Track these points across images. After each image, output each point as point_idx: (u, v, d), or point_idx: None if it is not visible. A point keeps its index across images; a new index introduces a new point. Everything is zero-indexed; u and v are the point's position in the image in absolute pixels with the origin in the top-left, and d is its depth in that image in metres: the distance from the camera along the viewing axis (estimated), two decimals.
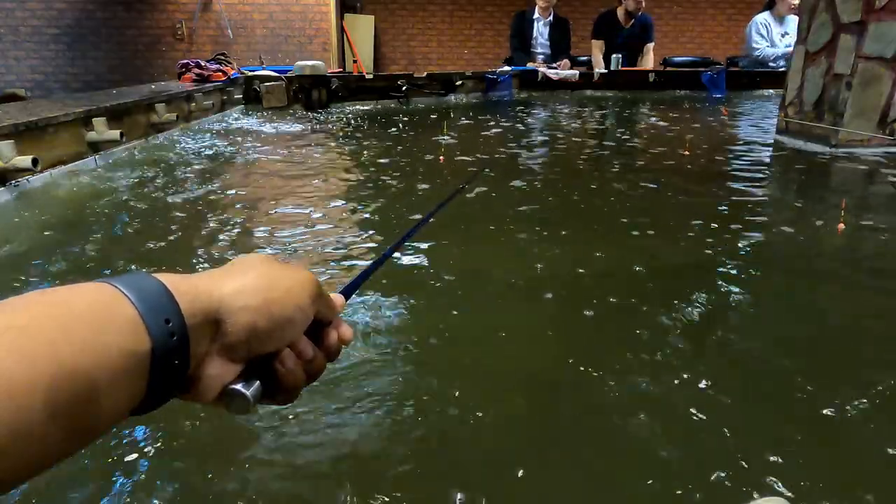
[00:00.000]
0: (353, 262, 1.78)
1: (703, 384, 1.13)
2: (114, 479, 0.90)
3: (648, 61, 6.44)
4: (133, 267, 1.76)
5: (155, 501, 0.85)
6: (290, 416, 1.02)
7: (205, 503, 0.85)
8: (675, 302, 1.47)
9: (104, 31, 7.96)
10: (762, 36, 5.92)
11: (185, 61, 5.04)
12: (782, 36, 5.89)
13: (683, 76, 6.38)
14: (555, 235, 2.02)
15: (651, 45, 6.41)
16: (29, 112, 2.73)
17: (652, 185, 2.70)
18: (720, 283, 1.60)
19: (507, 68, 6.18)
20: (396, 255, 1.71)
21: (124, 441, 0.97)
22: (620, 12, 6.18)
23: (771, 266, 1.83)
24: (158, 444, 0.97)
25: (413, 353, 1.27)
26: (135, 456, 0.94)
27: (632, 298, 1.52)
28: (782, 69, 5.75)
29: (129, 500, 0.85)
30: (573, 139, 4.10)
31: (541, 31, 6.30)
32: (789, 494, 0.84)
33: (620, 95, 6.10)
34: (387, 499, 0.85)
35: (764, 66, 6.06)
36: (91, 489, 0.88)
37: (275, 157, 3.37)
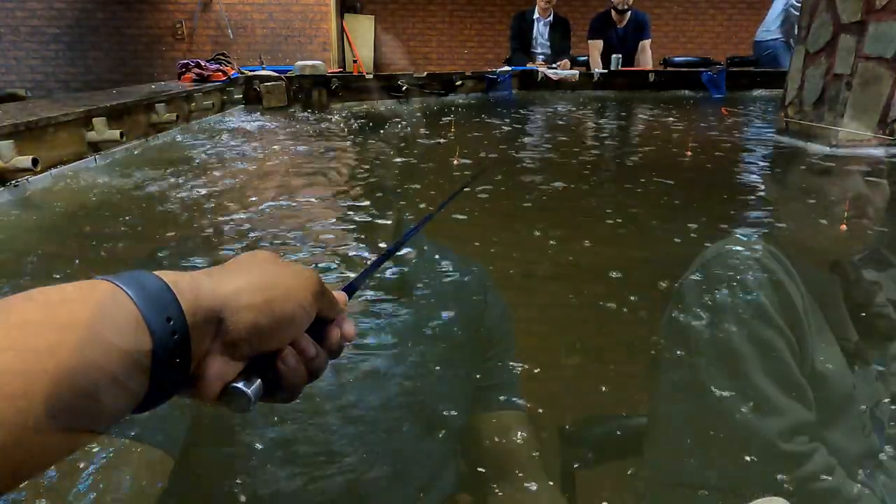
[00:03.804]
0: (354, 260, 1.77)
1: None
2: None
3: (646, 59, 6.37)
4: (134, 266, 1.75)
5: None
6: None
7: None
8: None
9: (104, 31, 7.96)
10: None
11: (185, 61, 5.04)
12: None
13: (683, 76, 6.37)
14: (554, 234, 2.02)
15: (648, 43, 6.34)
16: (29, 112, 2.73)
17: (651, 184, 2.69)
18: None
19: (507, 68, 6.18)
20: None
21: None
22: (614, 11, 6.18)
23: None
24: None
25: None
26: None
27: (632, 297, 1.51)
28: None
29: None
30: (573, 139, 4.10)
31: (541, 31, 6.30)
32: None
33: (620, 95, 6.09)
34: None
35: None
36: None
37: (275, 156, 3.37)
